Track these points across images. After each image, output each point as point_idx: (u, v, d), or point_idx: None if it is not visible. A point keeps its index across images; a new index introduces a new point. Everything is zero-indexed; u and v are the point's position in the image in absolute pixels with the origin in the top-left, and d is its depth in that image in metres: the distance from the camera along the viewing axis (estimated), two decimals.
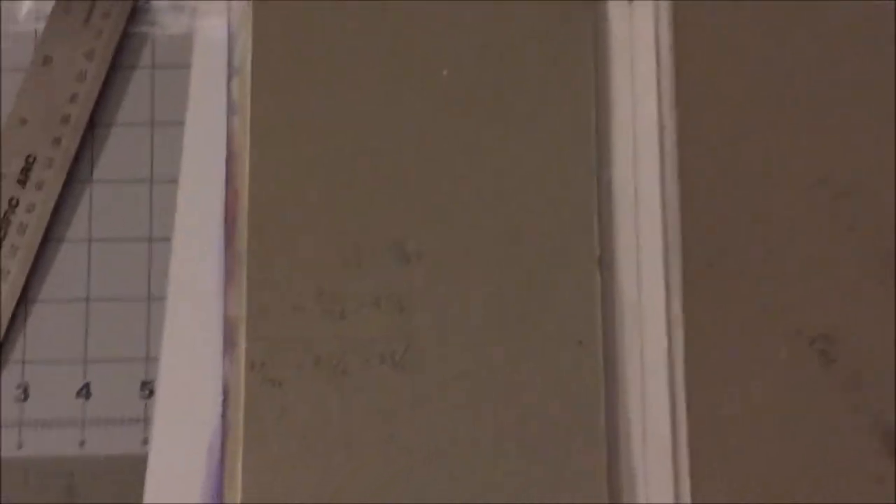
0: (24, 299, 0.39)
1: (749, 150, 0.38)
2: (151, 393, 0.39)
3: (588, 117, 0.38)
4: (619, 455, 0.36)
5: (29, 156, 0.39)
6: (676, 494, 0.35)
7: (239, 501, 0.36)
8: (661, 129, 0.38)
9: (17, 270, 0.39)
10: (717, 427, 0.36)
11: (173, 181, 0.39)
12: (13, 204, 0.39)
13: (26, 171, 0.39)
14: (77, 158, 0.40)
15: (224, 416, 0.37)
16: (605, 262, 0.37)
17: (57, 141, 0.39)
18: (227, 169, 0.38)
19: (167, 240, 0.39)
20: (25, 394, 0.39)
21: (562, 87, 0.39)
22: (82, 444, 0.38)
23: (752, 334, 0.36)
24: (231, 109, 0.39)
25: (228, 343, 0.37)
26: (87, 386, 0.39)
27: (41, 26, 0.41)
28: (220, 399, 0.37)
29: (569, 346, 0.36)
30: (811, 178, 0.37)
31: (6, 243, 0.39)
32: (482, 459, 0.36)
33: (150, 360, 0.39)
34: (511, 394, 0.36)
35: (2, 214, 0.39)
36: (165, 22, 0.42)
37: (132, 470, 0.37)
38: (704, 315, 0.37)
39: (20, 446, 0.38)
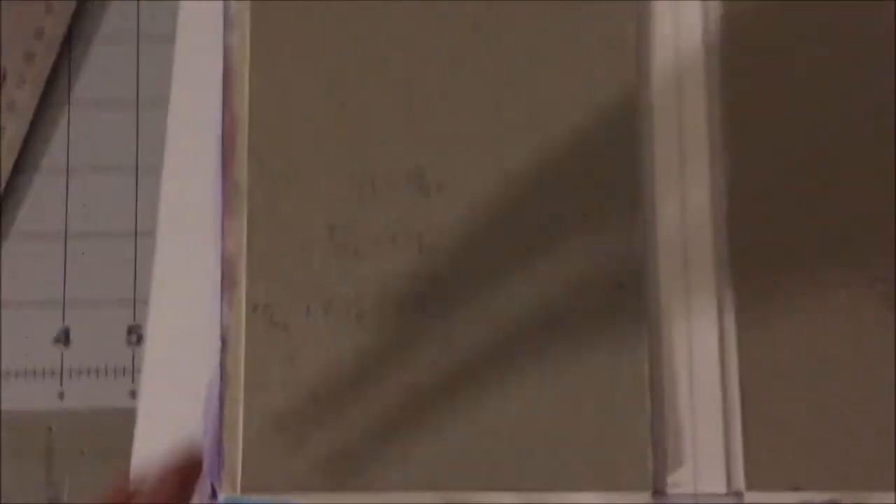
0: None
1: (802, 79, 0.34)
2: (139, 339, 0.35)
3: (628, 38, 0.34)
4: (664, 406, 0.33)
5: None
6: (727, 447, 0.32)
7: (240, 455, 0.32)
8: (707, 55, 0.35)
9: None
10: (771, 373, 0.32)
11: (162, 104, 0.35)
12: None
13: None
14: (53, 77, 0.36)
15: (222, 363, 0.33)
16: (647, 197, 0.34)
17: (29, 57, 0.35)
18: (224, 90, 0.34)
19: (156, 169, 0.35)
20: None
21: (599, 7, 0.35)
22: (61, 395, 0.34)
23: (809, 274, 0.33)
24: (228, 23, 0.34)
25: (227, 283, 0.33)
26: (66, 331, 0.35)
27: None
28: (216, 345, 0.33)
29: (608, 288, 0.33)
30: (866, 110, 0.34)
31: None
32: (513, 411, 0.32)
33: (138, 303, 0.35)
34: (545, 341, 0.32)
35: None
36: None
37: (117, 425, 0.34)
38: (755, 252, 0.33)
39: None
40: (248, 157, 0.34)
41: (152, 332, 0.34)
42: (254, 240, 0.33)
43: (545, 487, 0.32)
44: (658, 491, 0.32)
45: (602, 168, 0.34)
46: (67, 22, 0.35)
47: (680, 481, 0.32)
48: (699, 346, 0.33)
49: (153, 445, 0.33)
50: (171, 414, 0.33)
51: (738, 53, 0.34)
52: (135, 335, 0.35)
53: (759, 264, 0.33)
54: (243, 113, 0.34)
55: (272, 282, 0.33)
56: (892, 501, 0.32)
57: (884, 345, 0.33)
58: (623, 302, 0.33)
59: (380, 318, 0.33)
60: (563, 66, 0.34)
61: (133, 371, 0.35)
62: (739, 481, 0.32)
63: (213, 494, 0.33)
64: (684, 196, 0.34)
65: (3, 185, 0.34)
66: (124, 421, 0.34)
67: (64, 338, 0.35)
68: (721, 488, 0.32)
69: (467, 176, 0.34)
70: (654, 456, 0.32)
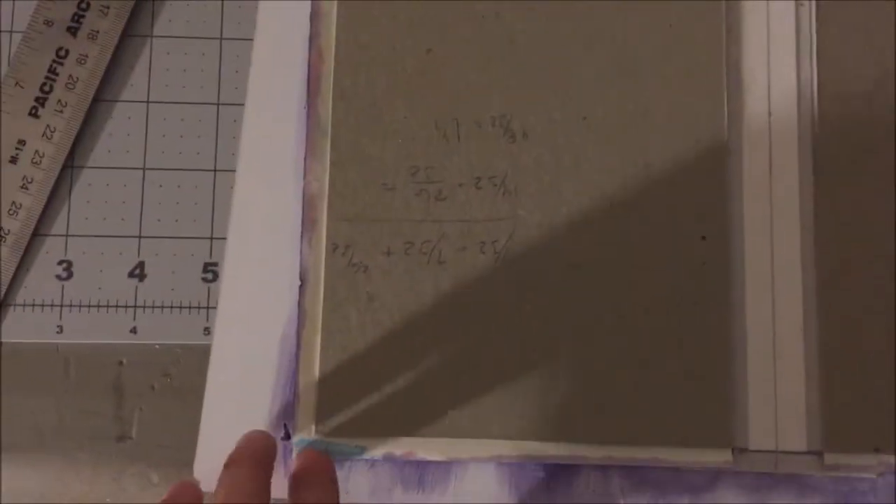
0: (71, 164, 0.34)
1: (889, 32, 0.35)
2: (216, 276, 0.34)
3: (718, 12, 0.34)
4: (746, 363, 0.32)
5: (82, 1, 0.34)
6: (808, 406, 0.32)
7: (314, 399, 0.32)
8: (799, 4, 0.34)
9: (64, 129, 0.34)
10: (853, 334, 0.32)
11: (247, 40, 0.34)
12: (62, 55, 0.34)
13: (78, 18, 0.34)
14: (137, 7, 0.35)
15: (300, 303, 0.32)
16: (733, 151, 0.34)
17: None
18: (312, 26, 0.34)
19: (238, 105, 0.34)
20: (69, 272, 0.34)
21: None
22: (133, 330, 0.34)
23: (892, 236, 0.33)
24: None
25: (308, 223, 0.33)
26: (140, 266, 0.34)
27: None
28: (295, 284, 0.33)
29: (692, 241, 0.33)
30: None
31: (52, 98, 0.34)
32: (591, 364, 0.32)
33: (215, 240, 0.34)
34: (626, 293, 0.32)
35: (49, 66, 0.34)
36: None
37: (189, 361, 0.33)
38: (839, 213, 0.33)
39: (60, 330, 0.33)
40: (333, 96, 0.33)
41: (228, 270, 0.33)
42: (336, 179, 0.33)
43: (624, 442, 0.32)
44: (738, 448, 0.32)
45: (689, 117, 0.33)
46: None
47: (760, 439, 0.32)
48: (781, 304, 0.33)
49: (227, 384, 0.33)
50: (245, 352, 0.33)
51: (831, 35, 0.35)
52: (210, 272, 0.34)
53: (843, 226, 0.33)
54: (330, 52, 0.34)
55: (353, 222, 0.33)
56: None
57: None
58: (707, 256, 0.33)
59: (460, 262, 0.33)
60: (650, 16, 0.34)
61: (207, 308, 0.34)
62: (820, 441, 0.32)
63: (287, 435, 0.32)
64: (772, 152, 0.34)
65: (83, 114, 0.34)
66: (197, 358, 0.33)
67: (139, 272, 0.34)
68: (801, 447, 0.32)
69: (553, 124, 0.33)
70: (735, 413, 0.32)
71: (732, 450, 0.32)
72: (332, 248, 0.33)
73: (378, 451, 0.32)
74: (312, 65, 0.34)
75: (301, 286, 0.33)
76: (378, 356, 0.32)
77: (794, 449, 0.32)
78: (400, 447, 0.32)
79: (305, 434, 0.32)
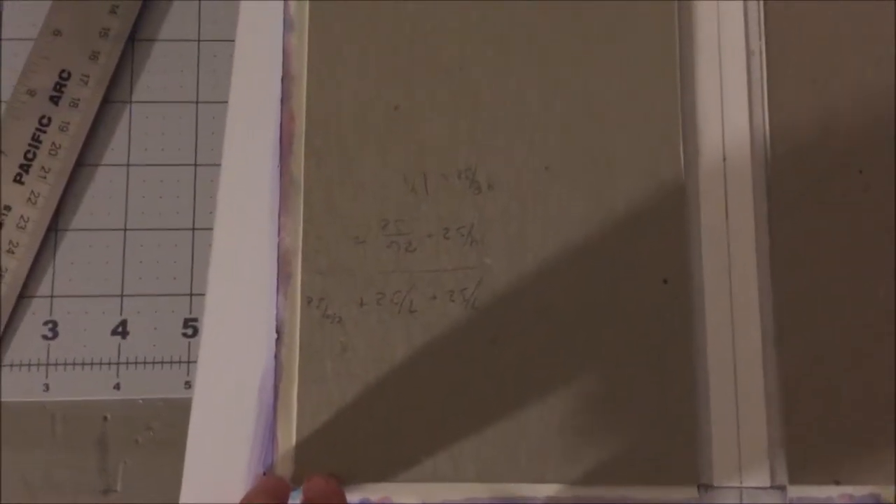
0: (56, 227, 0.36)
1: (843, 73, 0.35)
2: (195, 332, 0.36)
3: (672, 41, 0.35)
4: (709, 401, 0.33)
5: (63, 71, 0.36)
6: (770, 442, 0.33)
7: (293, 445, 0.33)
8: (750, 53, 0.36)
9: (47, 195, 0.35)
10: (812, 370, 0.33)
11: (222, 102, 0.36)
12: (45, 123, 0.36)
13: (60, 87, 0.36)
14: (116, 75, 0.36)
15: (277, 355, 0.34)
16: (690, 194, 0.35)
17: (94, 55, 0.36)
18: (283, 89, 0.35)
19: (215, 165, 0.36)
20: (54, 332, 0.35)
21: (645, 13, 0.36)
22: (117, 386, 0.35)
23: (847, 272, 0.34)
24: (287, 26, 0.36)
25: (283, 277, 0.34)
26: (123, 323, 0.35)
27: None
28: (272, 336, 0.34)
29: (654, 284, 0.34)
30: None
31: (36, 165, 0.35)
32: (561, 405, 0.33)
33: (194, 296, 0.36)
34: (592, 336, 0.33)
35: (32, 134, 0.36)
36: None
37: (171, 415, 0.35)
38: (795, 250, 0.34)
39: (47, 388, 0.35)
40: (305, 154, 0.35)
41: (207, 325, 0.34)
42: (309, 234, 0.34)
43: (592, 481, 0.33)
44: (704, 485, 0.33)
45: (648, 164, 0.35)
46: (132, 21, 0.36)
47: (725, 476, 0.33)
48: (742, 343, 0.34)
49: (208, 435, 0.34)
50: (224, 404, 0.34)
51: (781, 65, 0.36)
52: (190, 327, 0.36)
53: (799, 262, 0.34)
54: (301, 112, 0.35)
55: (327, 275, 0.34)
56: None
57: None
58: (668, 298, 0.34)
59: (431, 311, 0.34)
60: (608, 66, 0.35)
61: (188, 362, 0.35)
62: (782, 475, 0.33)
63: None
64: (727, 194, 0.35)
65: (66, 179, 0.35)
66: (179, 411, 0.34)
67: (122, 330, 0.36)
68: (765, 482, 0.33)
69: (517, 174, 0.35)
70: (700, 451, 0.33)
71: (698, 487, 0.33)
72: (307, 300, 0.34)
73: (355, 497, 0.33)
74: (284, 125, 0.35)
75: (277, 339, 0.34)
76: (353, 405, 0.33)
77: (757, 484, 0.33)
78: (376, 493, 0.33)
79: None
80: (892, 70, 0.36)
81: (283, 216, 0.35)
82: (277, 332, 0.34)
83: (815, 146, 0.35)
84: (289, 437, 0.33)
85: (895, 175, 0.35)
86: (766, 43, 0.36)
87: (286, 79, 0.35)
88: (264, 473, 0.33)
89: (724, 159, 0.36)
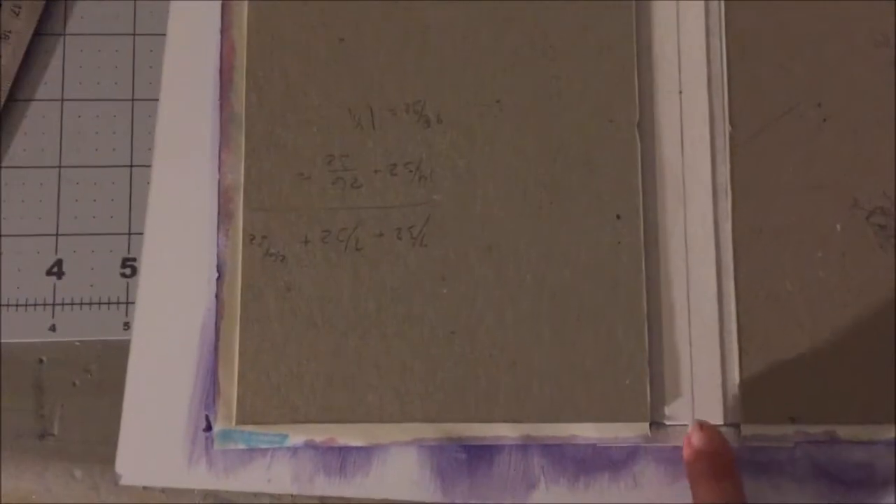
0: None
1: (804, 4, 0.34)
2: (134, 272, 0.34)
3: None
4: (662, 338, 0.33)
5: None
6: (724, 379, 0.32)
7: (235, 387, 0.32)
8: None
9: None
10: (767, 306, 0.33)
11: (160, 35, 0.34)
12: None
13: None
14: (48, 6, 0.35)
15: (218, 294, 0.32)
16: (646, 129, 0.34)
17: None
18: (223, 18, 0.34)
19: (153, 100, 0.34)
20: None
21: None
22: (53, 328, 0.34)
23: (805, 206, 0.33)
24: None
25: (224, 215, 0.33)
26: (58, 263, 0.34)
27: None
28: (213, 275, 0.33)
29: (607, 220, 0.33)
30: (870, 38, 0.34)
31: None
32: (511, 343, 0.32)
33: (133, 235, 0.34)
34: (543, 272, 0.32)
35: None
36: None
37: (110, 357, 0.33)
38: (753, 186, 0.33)
39: None
40: (246, 87, 0.33)
41: (146, 264, 0.33)
42: (251, 170, 0.33)
43: (543, 419, 0.32)
44: (656, 422, 0.32)
45: (601, 96, 0.34)
46: None
47: (677, 413, 0.33)
48: (697, 278, 0.33)
49: (148, 378, 0.33)
50: (164, 345, 0.33)
51: None
52: (129, 267, 0.34)
53: (756, 194, 0.33)
54: (242, 42, 0.34)
55: (269, 212, 0.33)
56: (891, 435, 0.33)
57: (879, 278, 0.33)
58: (621, 234, 0.33)
59: (378, 248, 0.33)
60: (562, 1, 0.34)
61: (127, 303, 0.34)
62: (736, 413, 0.33)
63: (208, 426, 0.32)
64: (683, 126, 0.34)
65: None
66: (118, 353, 0.33)
67: (57, 270, 0.34)
68: (718, 420, 0.32)
69: (467, 108, 0.34)
70: (652, 388, 0.32)
71: (650, 424, 0.32)
72: (249, 238, 0.33)
73: (300, 439, 0.32)
74: (225, 56, 0.34)
75: (218, 278, 0.33)
76: (297, 344, 0.32)
77: (711, 422, 0.33)
78: (321, 434, 0.32)
79: (226, 423, 0.32)
80: (853, 1, 0.35)
81: (224, 152, 0.33)
82: (218, 270, 0.33)
83: (773, 79, 0.34)
84: (230, 378, 0.32)
85: (854, 107, 0.34)
86: None
87: (226, 9, 0.34)
88: (207, 418, 0.33)
89: (681, 92, 0.35)
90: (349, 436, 0.32)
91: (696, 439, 0.30)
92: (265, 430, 0.32)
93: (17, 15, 0.34)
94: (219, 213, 0.33)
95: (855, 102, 0.34)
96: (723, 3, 0.34)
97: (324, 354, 0.32)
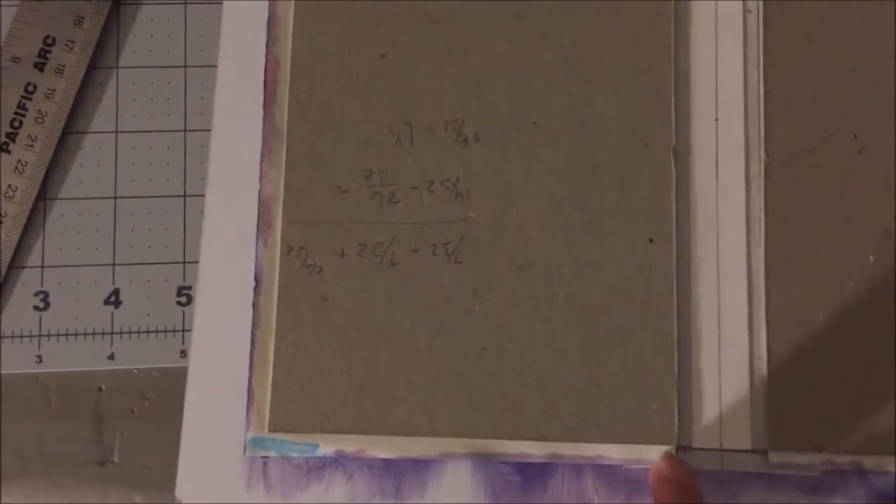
0: (44, 196, 0.35)
1: (842, 36, 0.35)
2: (189, 300, 0.35)
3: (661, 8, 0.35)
4: (692, 362, 0.33)
5: (47, 37, 0.35)
6: (752, 405, 0.33)
7: (269, 396, 0.32)
8: (746, 12, 0.35)
9: (35, 163, 0.35)
10: (799, 335, 0.33)
11: (211, 66, 0.35)
12: (30, 90, 0.35)
13: (44, 53, 0.35)
14: (101, 40, 0.36)
15: (255, 303, 0.33)
16: (681, 154, 0.34)
17: (79, 20, 0.35)
18: (269, 34, 0.34)
19: (205, 130, 0.35)
20: (46, 303, 0.35)
21: None
22: (111, 357, 0.34)
23: (838, 235, 0.33)
24: None
25: (263, 225, 0.34)
26: (115, 293, 0.35)
27: None
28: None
29: (639, 243, 0.33)
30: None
31: (22, 133, 0.35)
32: (540, 361, 0.32)
33: (188, 264, 0.35)
34: (575, 292, 0.33)
35: (18, 102, 0.35)
36: None
37: (167, 384, 0.34)
38: (786, 215, 0.34)
39: (40, 360, 0.34)
40: (289, 100, 0.34)
41: (201, 292, 0.34)
42: (291, 182, 0.34)
43: (571, 438, 0.33)
44: (683, 445, 0.33)
45: (637, 120, 0.34)
46: None
47: (705, 437, 0.33)
48: (728, 304, 0.33)
49: (205, 404, 0.33)
50: (220, 371, 0.33)
51: (776, 27, 0.35)
52: (185, 296, 0.35)
53: (790, 223, 0.34)
54: (286, 57, 0.35)
55: (307, 224, 0.34)
56: None
57: None
58: (653, 257, 0.33)
59: (413, 264, 0.33)
60: (599, 20, 0.34)
61: (183, 331, 0.35)
62: (764, 440, 0.33)
63: None
64: (718, 153, 0.35)
65: (53, 147, 0.35)
66: (175, 380, 0.34)
67: (115, 299, 0.35)
68: (746, 445, 0.33)
69: (504, 128, 0.34)
70: (680, 411, 0.33)
71: (677, 448, 0.32)
72: (287, 249, 0.33)
73: (330, 448, 0.32)
74: (269, 70, 0.34)
75: (256, 286, 0.33)
76: (330, 355, 0.33)
77: (738, 447, 0.33)
78: (351, 444, 0.32)
79: (259, 431, 0.33)
80: (891, 31, 0.35)
81: (265, 164, 0.34)
82: (256, 279, 0.33)
83: (809, 108, 0.35)
84: (264, 386, 0.33)
85: (891, 139, 0.34)
86: (763, 2, 0.35)
87: (272, 22, 0.35)
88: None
89: (717, 119, 0.35)
90: (379, 448, 0.32)
91: (666, 470, 0.31)
92: (296, 439, 0.33)
93: (71, 49, 0.35)
94: (258, 223, 0.34)
95: (890, 134, 0.34)
96: (761, 31, 0.35)
97: (356, 366, 0.33)
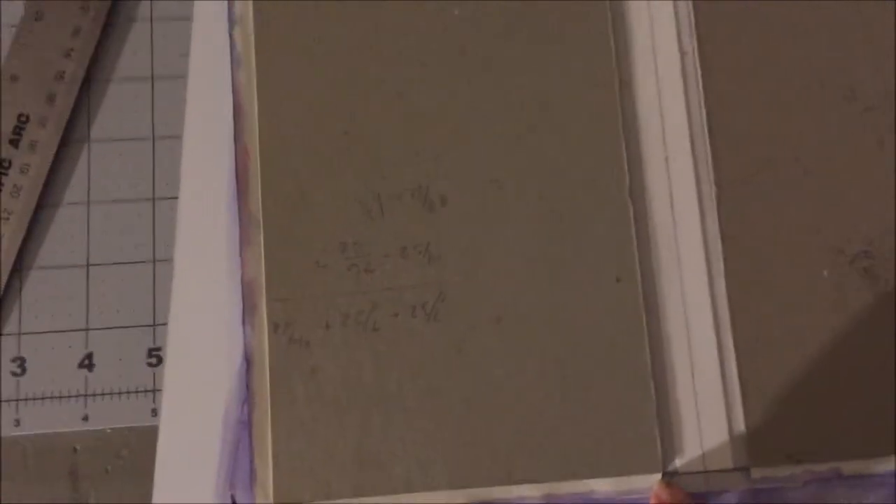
0: (20, 267, 0.37)
1: (775, 67, 0.37)
2: (160, 360, 0.37)
3: (607, 45, 0.37)
4: (668, 391, 0.35)
5: (21, 114, 0.37)
6: (730, 426, 0.34)
7: (271, 470, 0.34)
8: (683, 54, 0.37)
9: (10, 236, 0.36)
10: (765, 354, 0.34)
11: (176, 137, 0.37)
12: (5, 165, 0.37)
13: (19, 130, 0.37)
14: (73, 117, 0.38)
15: (248, 383, 0.35)
16: (637, 193, 0.36)
17: (51, 98, 0.37)
18: (235, 125, 0.36)
19: (172, 199, 0.37)
20: (23, 368, 0.36)
21: (578, 19, 0.37)
22: (86, 418, 0.36)
23: (792, 255, 0.35)
24: (235, 62, 0.37)
25: (248, 308, 0.35)
26: (89, 356, 0.37)
27: None
28: (234, 364, 0.35)
29: (607, 284, 0.35)
30: (839, 93, 0.37)
31: None
32: (526, 407, 0.34)
33: (157, 326, 0.37)
34: (551, 338, 0.35)
35: None
36: None
37: (140, 443, 0.36)
38: (742, 241, 0.35)
39: (18, 423, 0.36)
40: (262, 188, 0.36)
41: (171, 353, 0.35)
42: (271, 264, 0.35)
43: (562, 477, 0.34)
44: (669, 472, 0.34)
45: (592, 167, 0.36)
46: (86, 64, 0.38)
47: (688, 462, 0.35)
48: (696, 332, 0.35)
49: (175, 462, 0.35)
50: (190, 429, 0.35)
51: (715, 65, 0.37)
52: (154, 357, 0.37)
53: (746, 249, 0.35)
54: (254, 146, 0.36)
55: (291, 302, 0.35)
56: (892, 467, 0.34)
57: (867, 318, 0.35)
58: (622, 295, 0.35)
59: (394, 327, 0.35)
60: (547, 78, 0.37)
61: (154, 391, 0.36)
62: (744, 458, 0.34)
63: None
64: (672, 190, 0.36)
65: (28, 220, 0.37)
66: (147, 438, 0.35)
67: (88, 363, 0.37)
68: (728, 464, 0.34)
69: (469, 189, 0.36)
70: (662, 441, 0.34)
71: (663, 475, 0.34)
72: (274, 327, 0.35)
73: None
74: (239, 162, 0.36)
75: (248, 367, 0.35)
76: (325, 425, 0.34)
77: (721, 467, 0.34)
78: None
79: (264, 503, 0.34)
80: (822, 57, 0.37)
81: (245, 251, 0.36)
82: (247, 360, 0.35)
83: (753, 138, 0.36)
84: (265, 462, 0.34)
85: (832, 158, 0.36)
86: (698, 41, 0.37)
87: (237, 114, 0.37)
88: (232, 497, 0.35)
89: (667, 158, 0.37)
90: None
91: (665, 496, 0.32)
92: None
93: (45, 126, 0.37)
94: (243, 307, 0.35)
95: (830, 154, 0.36)
96: (698, 69, 0.37)
97: (350, 432, 0.34)
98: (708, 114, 0.37)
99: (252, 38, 0.37)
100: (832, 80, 0.37)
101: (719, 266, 0.36)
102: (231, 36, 0.37)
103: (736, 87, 0.37)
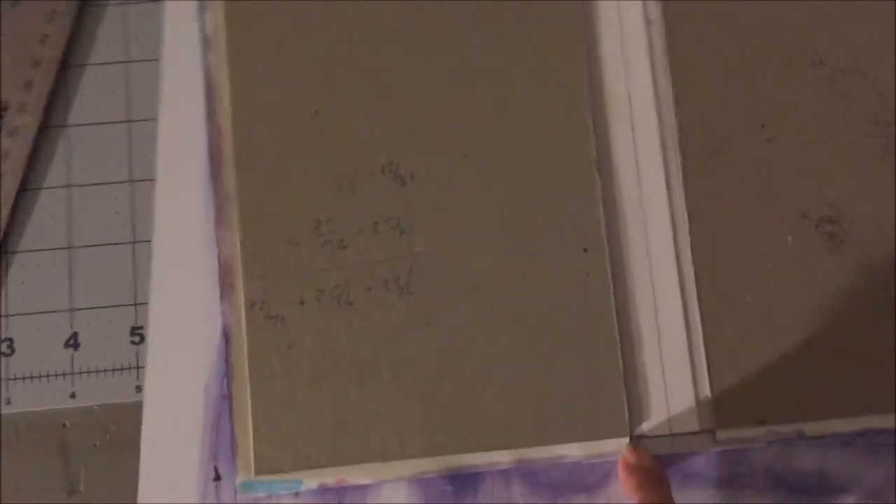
0: (4, 251, 0.38)
1: (741, 34, 0.37)
2: (142, 339, 0.38)
3: (576, 19, 0.37)
4: (635, 357, 0.36)
5: (1, 102, 0.38)
6: (696, 390, 0.35)
7: (252, 441, 0.35)
8: (648, 23, 0.38)
9: None
10: (731, 319, 0.35)
11: (152, 120, 0.38)
12: None
13: None
14: (51, 102, 0.39)
15: (227, 358, 0.36)
16: (604, 164, 0.37)
17: (28, 85, 0.38)
18: (208, 105, 0.37)
19: (149, 181, 0.38)
20: (11, 349, 0.38)
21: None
22: (73, 395, 0.37)
23: (757, 221, 0.36)
24: (206, 43, 0.38)
25: (225, 286, 0.36)
26: (74, 336, 0.38)
27: None
28: (213, 340, 0.36)
29: (575, 254, 0.36)
30: (806, 58, 0.37)
31: None
32: (497, 375, 0.35)
33: (139, 305, 0.38)
34: (521, 307, 0.35)
35: None
36: None
37: (125, 418, 0.37)
38: (707, 209, 0.36)
39: (8, 402, 0.37)
40: (235, 167, 0.37)
41: (152, 332, 0.36)
42: (246, 242, 0.36)
43: (532, 443, 0.35)
44: (636, 436, 0.35)
45: (559, 139, 0.36)
46: (62, 49, 0.38)
47: (655, 425, 0.36)
48: (663, 300, 0.36)
49: (160, 435, 0.36)
50: (174, 405, 0.36)
51: (680, 34, 0.37)
52: (137, 335, 0.38)
53: (711, 216, 0.36)
54: (227, 127, 0.37)
55: (266, 279, 0.36)
56: (853, 428, 0.35)
57: (831, 281, 0.36)
58: (589, 265, 0.36)
59: (368, 301, 0.36)
60: (516, 55, 0.37)
61: (137, 368, 0.37)
62: (710, 420, 0.35)
63: (217, 476, 0.36)
64: (638, 160, 0.37)
65: (10, 205, 0.37)
66: (132, 414, 0.37)
67: (73, 342, 0.38)
68: (694, 427, 0.35)
69: (438, 163, 0.37)
70: (630, 405, 0.35)
71: (630, 438, 0.35)
72: (250, 304, 0.36)
73: (313, 482, 0.35)
74: (214, 142, 0.37)
75: (226, 343, 0.36)
76: (303, 397, 0.35)
77: (687, 430, 0.35)
78: (332, 476, 0.35)
79: (246, 475, 0.35)
80: (789, 23, 0.37)
81: (220, 230, 0.37)
82: (226, 336, 0.36)
83: (718, 106, 0.37)
84: (246, 434, 0.35)
85: (796, 125, 0.37)
86: (663, 10, 0.38)
87: (210, 95, 0.37)
88: (216, 469, 0.36)
89: (633, 128, 0.37)
90: (357, 476, 0.35)
91: (632, 459, 0.34)
92: (281, 479, 0.35)
93: (24, 112, 0.38)
94: (221, 286, 0.36)
95: (795, 121, 0.37)
96: (663, 38, 0.37)
97: (328, 404, 0.35)
98: (674, 82, 0.37)
99: (222, 19, 0.38)
100: (799, 46, 0.37)
101: (685, 234, 0.36)
102: (202, 18, 0.38)
103: (702, 54, 0.37)
